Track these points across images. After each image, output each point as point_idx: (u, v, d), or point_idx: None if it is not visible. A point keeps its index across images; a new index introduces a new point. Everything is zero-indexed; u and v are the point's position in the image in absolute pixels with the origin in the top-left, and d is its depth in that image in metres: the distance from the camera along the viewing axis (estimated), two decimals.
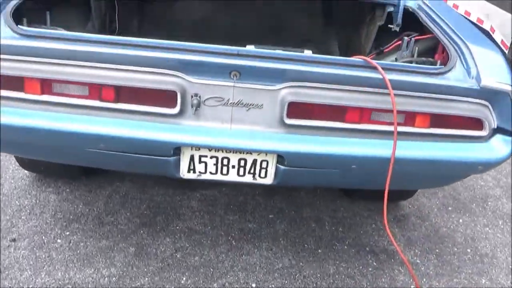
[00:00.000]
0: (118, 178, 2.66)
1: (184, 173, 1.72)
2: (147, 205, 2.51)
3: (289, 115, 1.58)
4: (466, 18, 3.13)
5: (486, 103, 1.61)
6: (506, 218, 2.76)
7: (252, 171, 1.71)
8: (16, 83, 1.55)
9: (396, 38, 2.11)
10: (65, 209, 2.42)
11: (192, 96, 1.55)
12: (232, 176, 1.73)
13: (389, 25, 2.10)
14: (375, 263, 2.28)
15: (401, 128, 1.58)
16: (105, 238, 2.25)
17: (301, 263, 2.22)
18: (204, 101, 1.56)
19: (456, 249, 2.46)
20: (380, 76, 1.51)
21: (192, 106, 1.55)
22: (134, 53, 1.52)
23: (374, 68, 1.54)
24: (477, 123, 1.64)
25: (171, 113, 1.58)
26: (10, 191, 2.50)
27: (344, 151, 1.60)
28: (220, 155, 1.67)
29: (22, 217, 2.33)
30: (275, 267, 2.18)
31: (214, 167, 1.71)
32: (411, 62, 1.90)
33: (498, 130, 1.66)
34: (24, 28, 1.57)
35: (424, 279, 2.22)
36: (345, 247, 2.38)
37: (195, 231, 2.36)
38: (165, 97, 1.56)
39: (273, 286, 2.07)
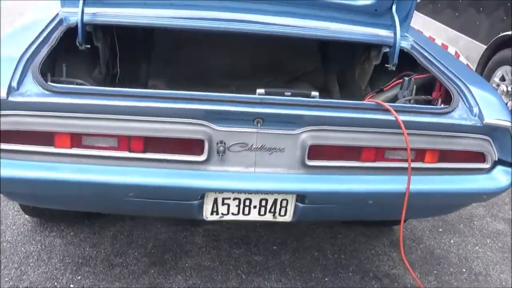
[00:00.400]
0: (120, 218, 2.68)
1: (207, 216, 1.77)
2: (153, 243, 2.54)
3: (310, 157, 1.67)
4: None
5: (488, 138, 1.76)
6: (493, 237, 2.93)
7: (272, 210, 1.78)
8: (46, 138, 1.58)
9: (390, 75, 2.26)
10: (72, 252, 2.41)
11: (217, 143, 1.62)
12: (253, 216, 1.80)
13: (385, 65, 2.24)
14: None
15: (412, 164, 1.70)
16: (117, 280, 2.25)
17: None
18: (229, 147, 1.64)
19: (452, 269, 2.59)
20: (392, 117, 1.63)
21: (217, 153, 1.62)
22: (161, 106, 1.58)
23: (386, 111, 1.66)
24: (480, 157, 1.79)
25: (199, 160, 1.64)
26: (14, 237, 2.47)
27: (361, 188, 1.71)
28: (242, 196, 1.74)
29: (31, 264, 2.30)
30: None
31: (237, 208, 1.77)
32: (410, 100, 2.05)
33: (499, 162, 1.80)
34: (53, 84, 1.61)
35: None
36: (350, 274, 2.47)
37: (204, 267, 2.40)
38: (192, 145, 1.63)
39: None
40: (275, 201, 1.75)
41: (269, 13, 2.23)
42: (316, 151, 1.67)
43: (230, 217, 1.80)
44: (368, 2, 2.23)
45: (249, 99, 1.62)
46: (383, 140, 1.70)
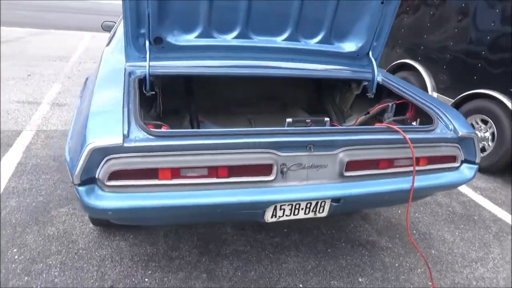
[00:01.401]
0: None
1: (268, 219, 1.95)
2: (196, 237, 2.70)
3: (346, 170, 1.91)
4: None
5: (457, 145, 2.11)
6: (424, 205, 3.39)
7: (314, 209, 1.99)
8: (152, 173, 1.66)
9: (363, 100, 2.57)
10: (137, 252, 2.51)
11: (281, 165, 1.80)
12: (300, 215, 1.99)
13: (366, 94, 2.54)
14: (367, 252, 2.74)
15: (411, 168, 2.00)
16: (180, 270, 2.41)
17: (322, 262, 2.60)
18: (289, 167, 1.82)
19: (405, 233, 3.01)
20: (400, 136, 1.92)
21: (281, 173, 1.81)
22: (239, 141, 1.71)
23: (395, 131, 1.94)
24: (452, 158, 2.13)
25: (268, 180, 1.81)
26: (86, 244, 2.52)
27: (380, 189, 1.96)
28: (294, 202, 1.92)
29: (108, 265, 2.38)
30: (307, 268, 2.53)
31: (289, 211, 1.95)
32: (394, 120, 2.37)
33: (464, 161, 2.16)
34: (155, 130, 1.68)
35: (401, 258, 2.73)
36: (343, 244, 2.80)
37: (241, 252, 2.61)
38: (263, 169, 1.79)
39: (314, 283, 2.42)
40: (317, 203, 1.96)
41: (276, 60, 2.43)
42: (350, 165, 1.91)
43: (284, 218, 1.98)
44: (352, 49, 2.50)
45: (303, 130, 1.83)
46: (393, 152, 1.97)
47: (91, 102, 1.80)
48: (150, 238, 2.64)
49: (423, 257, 2.48)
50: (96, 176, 1.59)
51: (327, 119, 2.22)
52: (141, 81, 2.10)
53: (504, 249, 2.95)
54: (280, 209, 1.94)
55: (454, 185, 2.16)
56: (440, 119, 2.14)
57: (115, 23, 3.98)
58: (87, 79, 2.62)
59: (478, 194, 3.74)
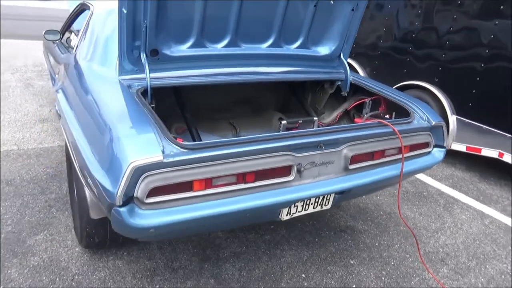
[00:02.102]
0: None
1: (283, 217, 2.07)
2: (192, 245, 2.70)
3: (351, 163, 2.10)
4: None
5: (429, 132, 2.42)
6: (386, 190, 3.78)
7: (321, 203, 2.14)
8: (186, 186, 1.66)
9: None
10: (137, 268, 2.45)
11: (297, 165, 1.92)
12: (310, 210, 2.13)
13: (341, 93, 2.77)
14: (349, 237, 2.99)
15: (398, 156, 2.26)
16: (188, 279, 2.41)
17: (315, 251, 2.79)
18: (304, 166, 1.96)
19: (375, 214, 3.35)
20: (389, 129, 2.17)
21: (298, 172, 1.93)
22: (266, 146, 1.79)
23: (385, 125, 2.18)
24: (426, 145, 2.44)
25: (289, 180, 1.92)
26: (80, 269, 2.39)
27: (376, 178, 2.18)
28: (307, 198, 2.05)
29: (111, 287, 2.30)
30: (304, 259, 2.70)
31: (301, 207, 2.09)
32: (371, 114, 2.63)
33: (435, 146, 2.49)
34: (187, 143, 1.68)
35: (378, 237, 3.03)
36: (327, 232, 3.03)
37: (239, 253, 2.69)
38: (284, 170, 1.89)
39: (314, 271, 2.59)
40: (323, 197, 2.12)
41: (261, 65, 2.55)
42: (353, 159, 2.10)
43: (296, 214, 2.10)
44: (326, 53, 2.72)
45: (315, 131, 1.98)
46: (385, 144, 2.20)
47: (109, 121, 1.73)
48: (145, 253, 2.58)
49: (412, 232, 2.76)
50: (135, 195, 1.56)
51: (315, 118, 2.40)
52: (142, 94, 2.07)
53: (455, 217, 3.43)
54: (294, 206, 2.06)
55: (429, 167, 2.48)
56: (415, 111, 2.44)
57: (68, 29, 3.75)
58: (61, 91, 2.48)
59: (422, 173, 4.26)
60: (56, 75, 3.13)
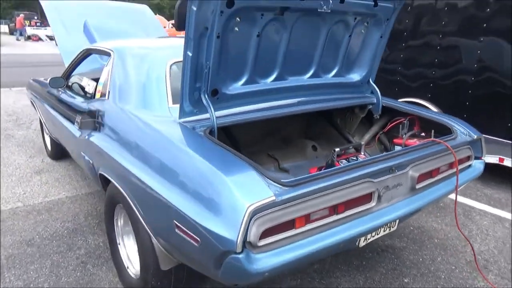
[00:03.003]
0: None
1: (360, 244, 2.08)
2: None
3: (417, 182, 2.16)
4: None
5: (469, 146, 2.55)
6: None
7: (390, 226, 2.15)
8: (289, 224, 1.63)
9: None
10: None
11: (376, 191, 1.95)
12: (381, 233, 2.13)
13: (374, 116, 2.88)
14: (393, 256, 3.03)
15: (450, 171, 2.36)
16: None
17: (367, 274, 2.79)
18: (381, 191, 1.99)
19: (406, 231, 3.42)
20: (442, 146, 2.27)
21: (378, 198, 1.97)
22: (354, 175, 1.82)
23: (439, 143, 2.29)
24: (468, 158, 2.56)
25: (371, 207, 1.94)
26: None
27: (438, 194, 2.26)
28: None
29: None
30: (360, 284, 2.69)
31: (375, 232, 2.08)
32: (410, 135, 2.73)
33: (474, 158, 2.61)
34: (287, 181, 1.65)
35: (419, 252, 3.09)
36: (370, 254, 3.04)
37: (295, 286, 2.64)
38: (366, 197, 1.91)
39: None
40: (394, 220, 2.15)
41: (303, 96, 2.62)
42: (419, 178, 2.17)
43: (370, 240, 2.11)
44: (358, 79, 2.83)
45: (387, 156, 2.04)
46: (439, 161, 2.30)
47: (204, 165, 1.69)
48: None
49: (468, 240, 2.82)
50: (247, 240, 1.52)
51: (362, 142, 2.47)
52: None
53: (478, 224, 3.58)
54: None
55: (474, 178, 2.60)
56: (455, 127, 2.57)
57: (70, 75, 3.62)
58: (101, 139, 2.38)
59: None
60: (74, 123, 2.98)
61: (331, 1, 2.18)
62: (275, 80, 2.39)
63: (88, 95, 3.18)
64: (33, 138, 5.70)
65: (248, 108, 2.33)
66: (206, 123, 2.08)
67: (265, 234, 1.56)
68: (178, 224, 1.69)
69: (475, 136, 2.53)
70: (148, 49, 2.78)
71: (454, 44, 4.52)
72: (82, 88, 3.36)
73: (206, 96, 2.08)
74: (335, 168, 1.86)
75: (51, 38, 28.33)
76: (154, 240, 2.00)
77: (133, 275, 2.42)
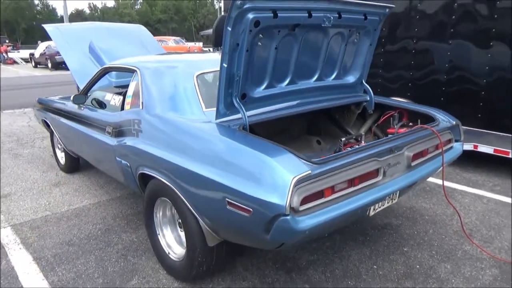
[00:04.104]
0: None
1: (371, 213, 2.53)
2: (271, 262, 3.02)
3: (412, 161, 2.64)
4: None
5: (450, 131, 3.07)
6: None
7: (392, 198, 2.63)
8: (319, 194, 2.06)
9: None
10: (253, 285, 2.74)
11: (382, 167, 2.41)
12: (385, 205, 2.60)
13: (368, 111, 3.38)
14: (392, 231, 3.50)
15: (436, 152, 2.86)
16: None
17: (372, 247, 3.24)
18: (385, 167, 2.45)
19: (400, 211, 3.91)
20: (429, 131, 2.77)
21: (383, 173, 2.42)
22: (365, 154, 2.29)
23: (426, 128, 2.80)
24: (449, 141, 3.07)
25: (378, 180, 2.39)
26: None
27: (429, 170, 2.74)
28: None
29: None
30: (368, 254, 3.13)
31: (381, 203, 2.53)
32: (401, 125, 3.24)
33: (456, 141, 3.14)
34: (317, 159, 2.08)
35: (413, 227, 3.57)
36: (372, 231, 3.50)
37: (314, 260, 3.05)
38: (374, 173, 2.37)
39: (381, 262, 3.04)
40: (394, 192, 2.61)
41: (309, 97, 3.08)
42: (413, 157, 2.64)
43: (378, 210, 2.55)
44: (353, 80, 3.32)
45: (389, 139, 2.53)
46: (427, 143, 2.79)
47: (249, 152, 2.11)
48: (237, 276, 2.85)
49: (456, 210, 3.36)
50: (292, 206, 1.94)
51: (363, 133, 2.95)
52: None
53: (460, 202, 4.11)
54: (378, 201, 2.53)
55: (456, 157, 3.11)
56: (437, 116, 3.09)
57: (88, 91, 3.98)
58: (143, 144, 2.75)
59: None
60: (105, 133, 3.34)
61: (331, 17, 2.67)
62: (288, 84, 2.85)
63: (114, 107, 3.55)
64: (41, 155, 5.96)
65: (272, 108, 2.77)
66: (237, 122, 2.50)
67: (303, 201, 2.00)
68: (231, 201, 2.10)
69: (454, 122, 3.05)
70: (172, 64, 3.19)
71: (427, 47, 5.12)
72: (100, 103, 3.71)
73: (238, 99, 2.51)
74: (350, 149, 2.32)
75: (26, 60, 28.15)
76: (201, 221, 2.40)
77: (175, 259, 2.79)
